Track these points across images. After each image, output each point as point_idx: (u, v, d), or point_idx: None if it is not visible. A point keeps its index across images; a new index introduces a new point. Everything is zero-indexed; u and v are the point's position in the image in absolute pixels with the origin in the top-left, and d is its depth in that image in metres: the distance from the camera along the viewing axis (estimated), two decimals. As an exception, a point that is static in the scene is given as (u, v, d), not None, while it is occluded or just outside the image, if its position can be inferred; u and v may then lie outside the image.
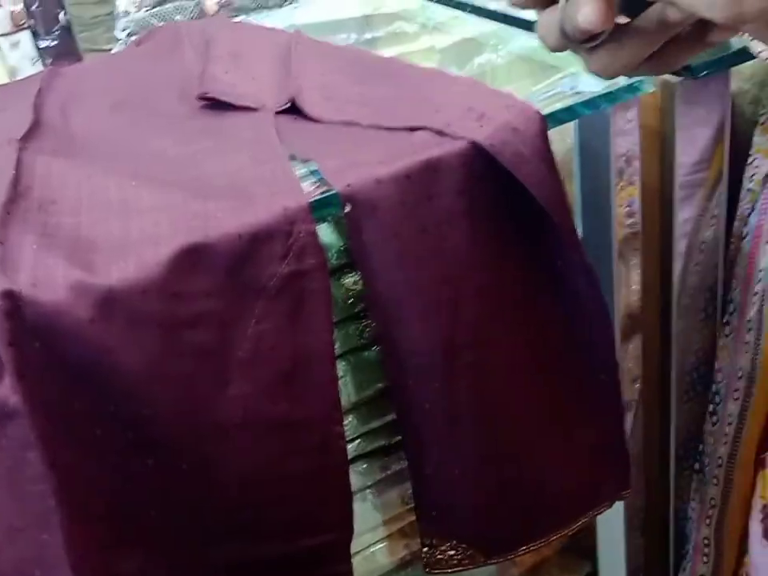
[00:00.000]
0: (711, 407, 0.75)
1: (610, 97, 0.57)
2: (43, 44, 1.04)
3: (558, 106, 0.56)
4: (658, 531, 0.82)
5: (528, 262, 0.53)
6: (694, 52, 0.35)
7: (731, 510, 0.74)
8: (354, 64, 0.64)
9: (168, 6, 1.02)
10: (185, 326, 0.44)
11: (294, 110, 0.58)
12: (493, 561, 0.58)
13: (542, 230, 0.51)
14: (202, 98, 0.60)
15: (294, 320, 0.47)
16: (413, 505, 0.57)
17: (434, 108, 0.52)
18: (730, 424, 0.73)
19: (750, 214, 0.70)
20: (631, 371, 0.70)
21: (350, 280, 0.56)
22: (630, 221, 0.65)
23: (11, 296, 0.40)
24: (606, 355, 0.56)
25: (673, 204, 0.68)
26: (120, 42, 1.01)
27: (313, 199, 0.48)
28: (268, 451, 0.48)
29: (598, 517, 0.73)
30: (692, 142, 0.67)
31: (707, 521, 0.77)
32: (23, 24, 1.03)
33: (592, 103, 0.56)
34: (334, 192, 0.48)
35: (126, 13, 1.00)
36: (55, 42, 1.04)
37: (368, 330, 0.57)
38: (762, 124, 0.68)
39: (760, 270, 0.68)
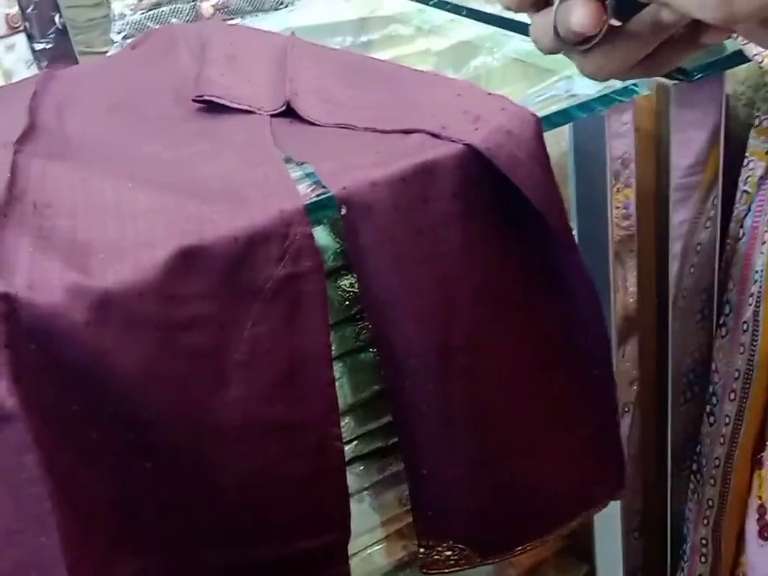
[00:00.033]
0: (708, 408, 0.75)
1: (605, 100, 0.57)
2: (38, 47, 1.04)
3: (553, 108, 0.56)
4: (656, 532, 0.82)
5: (523, 265, 0.53)
6: (688, 54, 0.36)
7: (728, 511, 0.74)
8: (350, 67, 0.64)
9: (164, 8, 1.02)
10: (181, 329, 0.44)
11: (289, 112, 0.58)
12: (489, 561, 0.58)
13: (537, 233, 0.51)
14: (198, 100, 0.60)
15: (291, 322, 0.47)
16: (410, 506, 0.57)
17: (430, 111, 0.53)
18: (726, 425, 0.73)
19: (745, 216, 0.70)
20: (628, 373, 0.71)
21: (347, 282, 0.56)
22: (626, 223, 0.65)
23: (7, 298, 0.40)
24: (600, 357, 0.56)
25: (668, 206, 0.68)
26: (116, 44, 1.01)
27: (309, 202, 0.48)
28: (265, 453, 0.48)
29: (596, 518, 0.74)
30: (687, 145, 0.67)
31: (705, 521, 0.77)
32: (18, 27, 1.03)
33: (587, 106, 0.57)
34: (329, 194, 0.48)
35: (122, 15, 1.00)
36: (50, 45, 1.04)
37: (364, 332, 0.57)
38: (757, 126, 0.68)
39: (756, 272, 0.68)
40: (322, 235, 0.55)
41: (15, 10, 1.02)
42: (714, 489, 0.75)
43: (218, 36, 0.70)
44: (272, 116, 0.58)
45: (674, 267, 0.70)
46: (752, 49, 0.62)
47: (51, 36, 1.04)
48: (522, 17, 0.37)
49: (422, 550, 0.57)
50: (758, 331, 0.68)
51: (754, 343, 0.69)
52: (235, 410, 0.46)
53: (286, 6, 1.05)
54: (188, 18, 1.03)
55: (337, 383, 0.50)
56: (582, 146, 0.63)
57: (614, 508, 0.73)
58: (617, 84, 0.57)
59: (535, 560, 0.76)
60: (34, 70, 1.03)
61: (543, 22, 0.35)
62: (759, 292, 0.68)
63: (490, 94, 0.52)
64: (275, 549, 0.51)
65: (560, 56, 0.37)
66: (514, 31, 0.72)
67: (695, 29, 0.34)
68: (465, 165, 0.49)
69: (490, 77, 0.69)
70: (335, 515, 0.51)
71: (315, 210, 0.48)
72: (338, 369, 0.56)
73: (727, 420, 0.73)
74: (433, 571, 0.58)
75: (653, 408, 0.77)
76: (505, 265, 0.52)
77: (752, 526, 0.70)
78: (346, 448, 0.57)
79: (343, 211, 0.47)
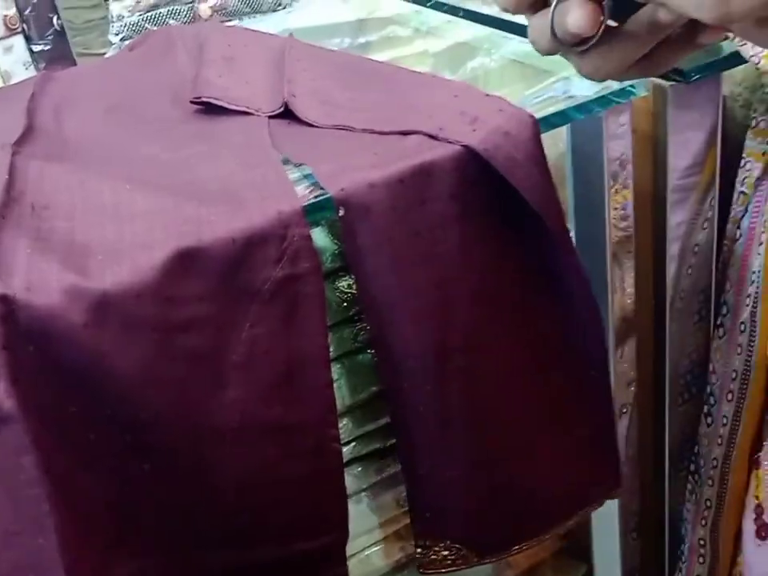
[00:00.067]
0: (706, 409, 0.75)
1: (602, 101, 0.57)
2: (36, 48, 1.04)
3: (551, 110, 0.56)
4: (654, 533, 0.83)
5: (521, 266, 0.53)
6: (685, 54, 0.36)
7: (726, 511, 0.74)
8: (348, 68, 0.64)
9: (162, 10, 1.02)
10: (179, 330, 0.44)
11: (287, 114, 0.58)
12: (486, 561, 0.58)
13: (535, 234, 0.51)
14: (196, 102, 0.60)
15: (289, 324, 0.47)
16: (407, 507, 0.57)
17: (427, 112, 0.53)
18: (724, 425, 0.73)
19: (742, 217, 0.70)
20: (626, 374, 0.71)
21: (345, 283, 0.56)
22: (623, 224, 0.65)
23: (5, 300, 0.40)
24: (597, 358, 0.56)
25: (666, 208, 0.69)
26: (114, 46, 1.01)
27: (307, 203, 0.48)
28: (263, 455, 0.48)
29: (593, 518, 0.74)
30: (685, 146, 0.67)
31: (702, 522, 0.77)
32: (16, 28, 1.03)
33: (585, 107, 0.57)
34: (327, 196, 0.48)
35: (120, 17, 1.00)
36: (48, 47, 1.04)
37: (362, 333, 0.57)
38: (754, 128, 0.68)
39: (753, 272, 0.69)
40: (320, 237, 0.55)
41: (13, 11, 1.02)
42: (712, 489, 0.75)
43: (215, 37, 0.70)
44: (270, 117, 0.58)
45: (671, 268, 0.70)
46: (749, 50, 0.62)
47: (49, 38, 1.04)
48: (519, 18, 0.37)
49: (418, 550, 0.57)
50: (755, 332, 0.68)
51: (752, 344, 0.69)
52: (233, 412, 0.46)
53: (284, 8, 1.05)
54: (186, 19, 1.03)
55: (335, 384, 0.50)
56: (579, 147, 0.63)
57: (612, 508, 0.73)
58: (614, 85, 0.57)
59: (533, 561, 0.76)
60: (31, 72, 1.03)
61: (540, 23, 0.35)
62: (756, 293, 0.68)
63: (487, 95, 0.52)
64: (273, 550, 0.51)
65: (557, 57, 0.37)
66: (511, 33, 0.72)
67: (692, 29, 0.34)
68: (462, 166, 0.49)
69: (487, 78, 0.70)
70: (333, 516, 0.51)
71: (313, 212, 0.48)
72: (336, 370, 0.56)
73: (725, 421, 0.73)
74: (430, 571, 0.58)
75: (650, 409, 0.77)
76: (502, 266, 0.52)
77: (749, 526, 0.70)
78: (344, 449, 0.57)
79: (341, 212, 0.47)
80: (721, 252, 0.72)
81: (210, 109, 0.60)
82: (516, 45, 0.70)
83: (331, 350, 0.53)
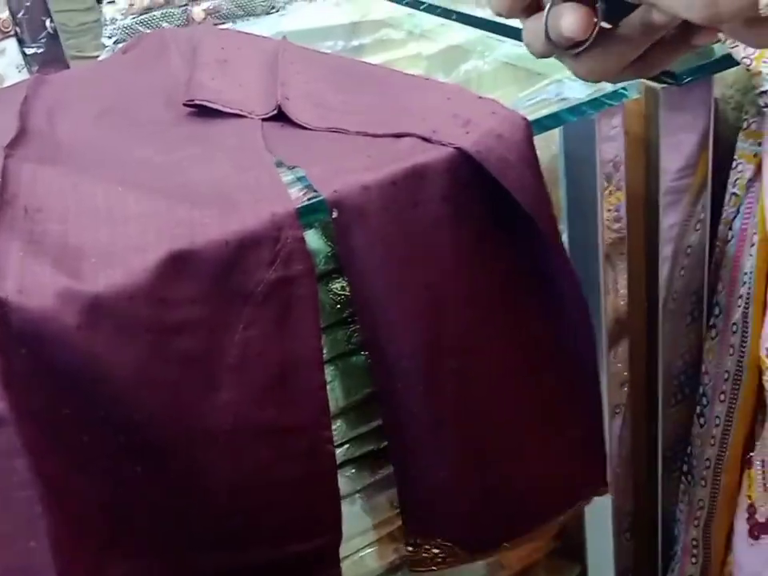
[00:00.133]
0: (698, 409, 0.75)
1: (595, 103, 0.57)
2: (30, 51, 1.04)
3: (544, 112, 0.56)
4: (647, 533, 0.83)
5: (512, 268, 0.53)
6: (679, 54, 0.36)
7: (719, 512, 0.75)
8: (341, 71, 0.64)
9: (155, 13, 1.02)
10: (172, 333, 0.44)
11: (280, 116, 0.58)
12: (476, 558, 0.59)
13: (527, 236, 0.51)
14: (189, 104, 0.60)
15: (282, 326, 0.47)
16: (398, 505, 0.57)
17: (420, 115, 0.53)
18: (717, 426, 0.73)
19: (734, 218, 0.70)
20: (619, 375, 0.71)
21: (338, 285, 0.56)
22: (617, 225, 0.66)
23: (-3, 303, 0.40)
24: (588, 359, 0.56)
25: (658, 210, 0.69)
26: (107, 49, 1.01)
27: (300, 205, 0.48)
28: (256, 457, 0.48)
29: (587, 519, 0.74)
30: (677, 148, 0.67)
31: (695, 522, 0.77)
32: (9, 31, 1.03)
33: (577, 110, 0.57)
34: (320, 198, 0.48)
35: (113, 20, 1.00)
36: (42, 50, 1.04)
37: (356, 335, 0.57)
38: (745, 129, 0.68)
39: (745, 273, 0.69)
40: (313, 239, 0.55)
41: (6, 14, 1.02)
42: (705, 490, 0.75)
43: (209, 40, 0.70)
44: (263, 120, 0.58)
45: (664, 270, 0.71)
46: (740, 52, 0.62)
47: (42, 40, 1.04)
48: (512, 21, 0.38)
49: (409, 548, 0.57)
50: (747, 333, 0.69)
51: (744, 345, 0.69)
52: (226, 414, 0.46)
53: (278, 11, 1.05)
54: (179, 22, 1.03)
55: (328, 386, 0.50)
56: (572, 149, 0.64)
57: (606, 509, 0.74)
58: (607, 87, 0.57)
59: (527, 562, 0.76)
60: (24, 75, 1.03)
61: (535, 26, 0.35)
62: (748, 294, 0.68)
63: (480, 97, 0.53)
64: (267, 552, 0.51)
65: (551, 60, 0.37)
66: (504, 35, 0.72)
67: (686, 30, 0.34)
68: (455, 168, 0.49)
69: (480, 81, 0.70)
70: (327, 518, 0.52)
71: (306, 214, 0.48)
72: (329, 372, 0.56)
73: (717, 421, 0.73)
74: (420, 569, 0.58)
75: (643, 410, 0.77)
76: (494, 267, 0.52)
77: (741, 526, 0.70)
78: (338, 451, 0.57)
79: (334, 214, 0.48)
80: (713, 253, 0.73)
81: (203, 111, 0.60)
82: (509, 48, 0.70)
83: (324, 352, 0.53)
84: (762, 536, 0.69)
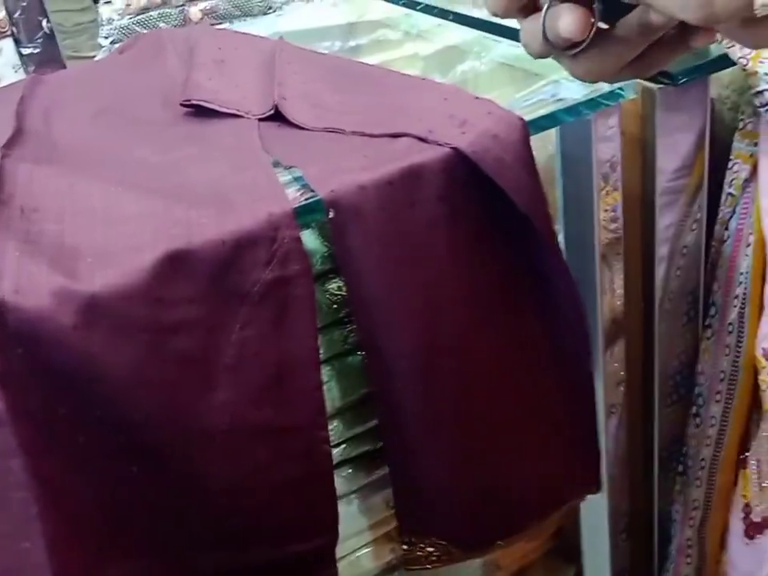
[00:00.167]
0: (694, 409, 0.75)
1: (591, 104, 0.57)
2: (26, 51, 1.04)
3: (540, 112, 0.56)
4: (643, 533, 0.83)
5: (509, 267, 0.53)
6: (677, 55, 0.36)
7: (714, 512, 0.75)
8: (338, 71, 0.64)
9: (152, 13, 1.02)
10: (168, 332, 0.44)
11: (277, 116, 0.58)
12: (470, 557, 0.59)
13: (523, 236, 0.51)
14: (186, 104, 0.60)
15: (279, 326, 0.47)
16: (394, 504, 0.57)
17: (417, 115, 0.53)
18: (712, 426, 0.73)
19: (730, 218, 0.71)
20: (615, 375, 0.71)
21: (335, 285, 0.56)
22: (613, 226, 0.66)
23: (-6, 303, 0.40)
24: (583, 358, 0.56)
25: (655, 210, 0.69)
26: (103, 49, 1.01)
27: (297, 205, 0.48)
28: (253, 457, 0.48)
29: (583, 520, 0.74)
30: (674, 149, 0.67)
31: (690, 522, 0.77)
32: (5, 31, 1.02)
33: (574, 110, 0.57)
34: (317, 198, 0.48)
35: (110, 20, 1.00)
36: (38, 50, 1.04)
37: (352, 335, 0.57)
38: (741, 129, 0.68)
39: (741, 273, 0.69)
40: (310, 239, 0.55)
41: (2, 14, 1.02)
42: (700, 490, 0.76)
43: (206, 40, 0.70)
44: (260, 120, 0.58)
45: (660, 270, 0.71)
46: (737, 52, 0.62)
47: (39, 40, 1.04)
48: (509, 21, 0.38)
49: (404, 546, 0.57)
50: (743, 333, 0.69)
51: (740, 345, 0.69)
52: (223, 414, 0.46)
53: (275, 11, 1.05)
54: (176, 22, 1.03)
55: (325, 387, 0.50)
56: (568, 149, 0.64)
57: (602, 510, 0.74)
58: (603, 88, 0.57)
59: (523, 562, 0.77)
60: (21, 75, 1.03)
61: (532, 27, 0.35)
62: (744, 294, 0.68)
63: (476, 98, 0.53)
64: (264, 552, 0.51)
65: (547, 60, 0.37)
66: (501, 36, 0.72)
67: (684, 31, 0.34)
68: (451, 168, 0.49)
69: (477, 81, 0.70)
70: (324, 518, 0.52)
71: (303, 214, 0.48)
72: (326, 372, 0.56)
73: (713, 421, 0.73)
74: (415, 567, 0.58)
75: (639, 410, 0.77)
76: (490, 267, 0.52)
77: (737, 525, 0.71)
78: (334, 451, 0.57)
79: (331, 214, 0.48)
80: (709, 253, 0.73)
81: (200, 112, 0.60)
82: (505, 48, 0.70)
83: (321, 352, 0.53)
84: (757, 535, 0.69)
